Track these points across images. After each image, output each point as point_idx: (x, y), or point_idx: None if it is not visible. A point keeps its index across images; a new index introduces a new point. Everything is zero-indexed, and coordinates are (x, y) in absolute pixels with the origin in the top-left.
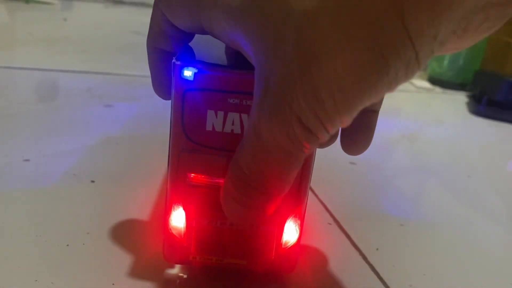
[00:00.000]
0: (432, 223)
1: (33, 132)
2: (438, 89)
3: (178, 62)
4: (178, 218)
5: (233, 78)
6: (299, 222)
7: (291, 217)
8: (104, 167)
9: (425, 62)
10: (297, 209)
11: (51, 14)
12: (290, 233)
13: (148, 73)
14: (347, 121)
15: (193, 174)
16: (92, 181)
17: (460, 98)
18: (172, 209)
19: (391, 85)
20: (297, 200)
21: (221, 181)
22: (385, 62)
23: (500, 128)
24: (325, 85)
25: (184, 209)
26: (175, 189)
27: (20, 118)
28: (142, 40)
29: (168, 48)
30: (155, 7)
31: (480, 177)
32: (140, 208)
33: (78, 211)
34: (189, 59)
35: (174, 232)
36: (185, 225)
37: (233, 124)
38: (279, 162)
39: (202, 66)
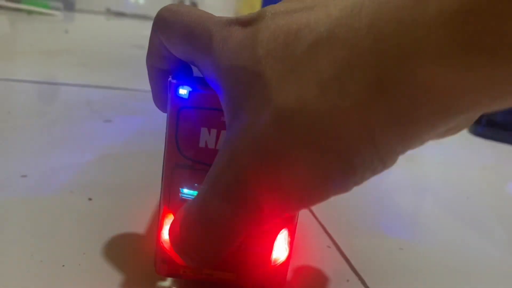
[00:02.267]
0: (432, 247)
1: (32, 146)
2: None
3: (174, 81)
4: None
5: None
6: (289, 239)
7: (281, 234)
8: (102, 184)
9: (393, 163)
10: (288, 226)
11: (53, 26)
12: (280, 250)
13: (148, 88)
14: (308, 208)
15: (185, 189)
16: (90, 199)
17: None
18: (164, 223)
19: (357, 183)
20: (288, 217)
21: None
22: (352, 169)
23: (500, 149)
24: (289, 183)
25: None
26: (168, 203)
27: (19, 132)
28: (142, 54)
29: (165, 67)
30: (152, 31)
31: (479, 199)
32: (137, 226)
33: (75, 230)
34: (185, 78)
35: (165, 245)
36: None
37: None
38: (221, 239)
39: (197, 85)
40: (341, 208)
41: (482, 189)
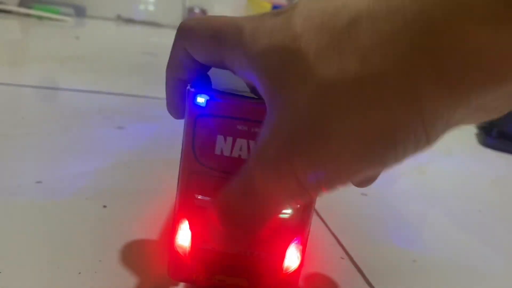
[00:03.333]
0: (445, 259)
1: (46, 152)
2: None
3: (192, 89)
4: (184, 237)
5: (242, 106)
6: (301, 248)
7: (293, 242)
8: (116, 191)
9: (436, 139)
10: (300, 235)
11: (64, 32)
12: (292, 258)
13: (160, 95)
14: (345, 185)
15: (200, 196)
16: (104, 206)
17: (468, 129)
18: (179, 228)
19: (398, 160)
20: (301, 226)
21: None
22: (394, 143)
23: (511, 161)
24: (330, 154)
25: (190, 228)
26: (183, 209)
27: (32, 138)
28: (153, 61)
29: (185, 77)
30: (176, 41)
31: (491, 211)
32: (151, 232)
33: (90, 237)
34: (203, 86)
35: (179, 250)
36: (190, 244)
37: (240, 149)
38: (263, 209)
39: (214, 94)
40: (354, 219)
41: (495, 201)
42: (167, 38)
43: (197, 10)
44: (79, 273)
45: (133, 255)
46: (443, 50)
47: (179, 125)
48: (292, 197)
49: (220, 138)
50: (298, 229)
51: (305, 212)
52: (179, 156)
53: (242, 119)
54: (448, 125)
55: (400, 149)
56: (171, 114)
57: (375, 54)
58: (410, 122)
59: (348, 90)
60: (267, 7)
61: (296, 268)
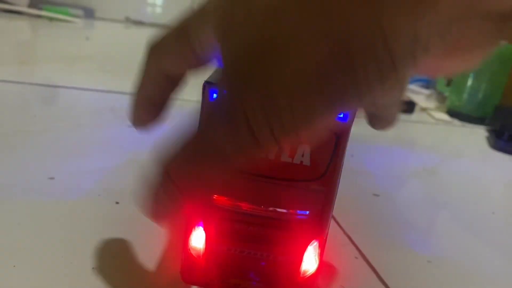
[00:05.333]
0: (460, 260)
1: (58, 149)
2: (456, 122)
3: (209, 85)
4: (198, 239)
5: None
6: (319, 251)
7: (311, 245)
8: (129, 188)
9: (405, 69)
10: (318, 237)
11: (74, 33)
12: (310, 261)
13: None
14: (305, 137)
15: (215, 195)
16: (117, 203)
17: (479, 132)
18: (193, 229)
19: (361, 91)
20: (319, 227)
21: (243, 204)
22: (351, 62)
23: None
24: (283, 87)
25: (204, 230)
26: (197, 209)
27: (45, 135)
28: None
29: (179, 71)
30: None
31: (505, 214)
32: (163, 231)
33: (104, 233)
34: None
35: (193, 252)
36: (204, 246)
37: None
38: (210, 165)
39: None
40: (367, 220)
41: (508, 204)
42: None
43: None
44: (93, 268)
45: (145, 253)
46: None
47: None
48: (243, 151)
49: None
50: (316, 231)
51: (324, 212)
52: None
53: None
54: (414, 47)
55: (360, 72)
56: (136, 119)
57: None
58: (367, 32)
59: (295, 9)
60: None
61: (313, 272)
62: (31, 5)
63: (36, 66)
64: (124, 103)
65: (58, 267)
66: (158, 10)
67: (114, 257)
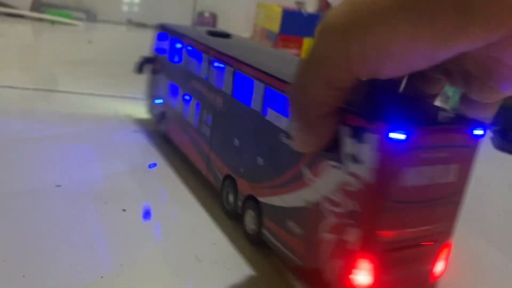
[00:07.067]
0: (466, 261)
1: (64, 156)
2: None
3: (384, 124)
4: (363, 277)
5: (442, 134)
6: (448, 254)
7: (443, 250)
8: (135, 195)
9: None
10: (449, 241)
11: (76, 36)
12: (440, 265)
13: None
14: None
15: (385, 232)
16: (124, 210)
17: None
18: (358, 265)
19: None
20: (450, 230)
21: (405, 231)
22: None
23: None
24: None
25: (372, 267)
26: (363, 246)
27: (50, 141)
28: None
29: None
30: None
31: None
32: (172, 236)
33: (111, 241)
34: (391, 118)
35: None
36: (372, 280)
37: (436, 176)
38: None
39: (409, 126)
40: None
41: None
42: None
43: (207, 14)
44: (102, 277)
45: (153, 260)
46: None
47: None
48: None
49: (413, 169)
50: (449, 236)
51: (455, 219)
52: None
53: (437, 147)
54: None
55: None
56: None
57: None
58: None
59: None
60: (277, 11)
61: (440, 273)
62: (33, 8)
63: (40, 71)
64: (127, 108)
65: (67, 276)
66: (161, 12)
67: (123, 266)
